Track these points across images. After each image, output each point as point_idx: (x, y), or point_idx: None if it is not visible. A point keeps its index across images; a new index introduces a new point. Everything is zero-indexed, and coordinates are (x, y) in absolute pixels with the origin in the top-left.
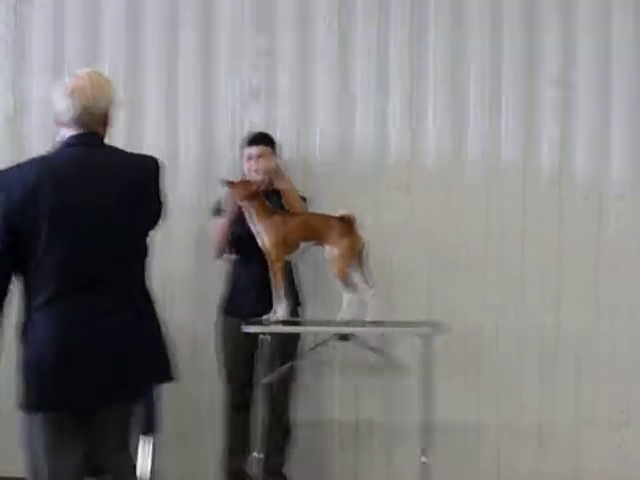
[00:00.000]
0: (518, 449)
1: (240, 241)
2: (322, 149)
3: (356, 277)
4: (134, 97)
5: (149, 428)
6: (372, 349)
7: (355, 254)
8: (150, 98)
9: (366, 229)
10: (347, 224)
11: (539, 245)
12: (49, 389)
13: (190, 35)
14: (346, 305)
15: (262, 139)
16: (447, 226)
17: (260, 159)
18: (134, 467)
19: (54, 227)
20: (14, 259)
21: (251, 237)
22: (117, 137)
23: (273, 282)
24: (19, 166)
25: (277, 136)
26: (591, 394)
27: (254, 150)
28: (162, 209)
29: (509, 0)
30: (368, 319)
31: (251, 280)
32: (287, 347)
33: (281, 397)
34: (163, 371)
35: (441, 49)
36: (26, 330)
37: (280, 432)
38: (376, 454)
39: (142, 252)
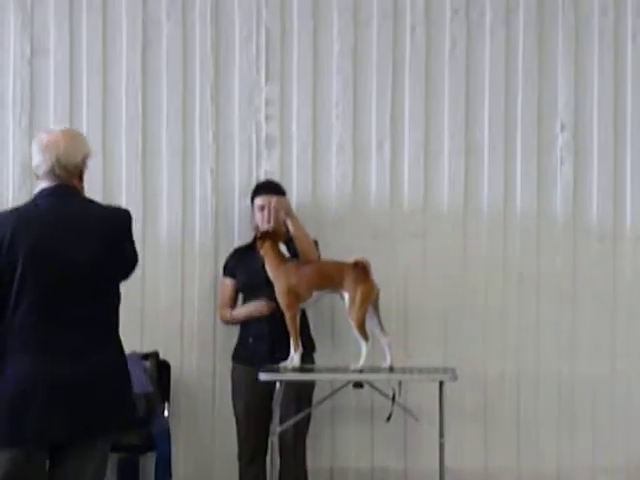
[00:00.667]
0: None
1: (253, 289)
2: (337, 197)
3: (371, 324)
4: (149, 149)
5: (161, 476)
6: (386, 396)
7: (370, 301)
8: (166, 148)
9: (381, 275)
10: (361, 270)
11: (555, 291)
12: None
13: (204, 84)
14: (364, 354)
15: (272, 188)
16: (462, 273)
17: (273, 208)
18: None
19: (27, 276)
20: None
21: (263, 285)
22: (131, 185)
23: (289, 329)
24: None
25: (293, 184)
26: (608, 440)
27: (265, 200)
28: (135, 258)
29: (522, 46)
30: (385, 365)
31: (265, 328)
32: (301, 395)
33: (296, 446)
34: (126, 418)
35: (455, 95)
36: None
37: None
38: None
39: (113, 300)
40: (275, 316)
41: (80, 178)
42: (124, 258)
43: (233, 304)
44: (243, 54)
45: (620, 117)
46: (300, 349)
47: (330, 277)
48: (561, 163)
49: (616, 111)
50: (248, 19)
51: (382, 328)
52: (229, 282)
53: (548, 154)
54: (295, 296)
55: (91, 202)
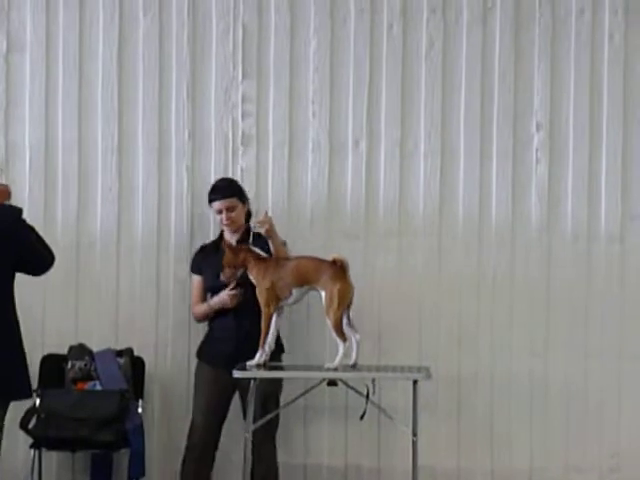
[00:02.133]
0: None
1: (219, 290)
2: (312, 195)
3: (344, 321)
4: (126, 144)
5: (135, 472)
6: (360, 394)
7: (347, 301)
8: (142, 144)
9: (356, 274)
10: (339, 269)
11: (528, 290)
12: None
13: (180, 80)
14: (340, 353)
15: (226, 191)
16: (437, 272)
17: (227, 212)
18: None
19: None
20: None
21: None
22: (106, 181)
23: (262, 326)
24: None
25: (268, 181)
26: (581, 440)
27: (222, 204)
28: (38, 256)
29: (499, 46)
30: (351, 363)
31: (232, 330)
32: (268, 395)
33: (265, 445)
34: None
35: (431, 95)
36: None
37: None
38: None
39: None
40: (242, 317)
41: None
42: (12, 253)
43: (204, 300)
44: (220, 50)
45: (596, 117)
46: (267, 347)
47: (308, 274)
48: (536, 163)
49: (592, 111)
50: (225, 15)
51: (352, 325)
52: (198, 279)
53: (523, 154)
54: (275, 294)
55: None
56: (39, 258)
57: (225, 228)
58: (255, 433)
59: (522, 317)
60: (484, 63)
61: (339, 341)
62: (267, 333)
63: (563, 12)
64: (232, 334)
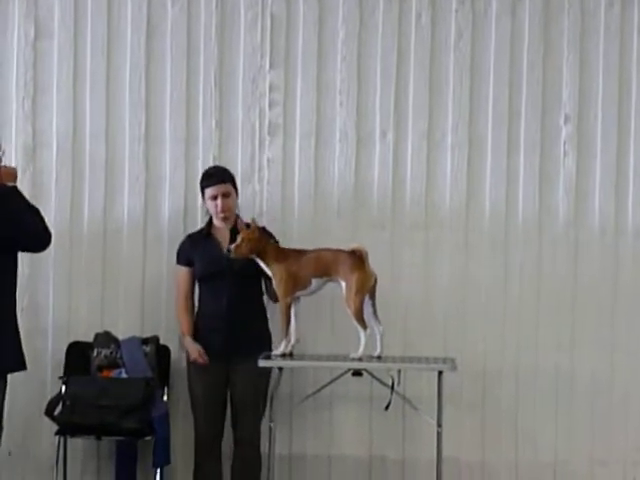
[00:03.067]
0: None
1: (212, 277)
2: (339, 185)
3: (367, 312)
4: (153, 133)
5: (160, 460)
6: (385, 384)
7: (367, 289)
8: (169, 134)
9: (382, 265)
10: (358, 258)
11: (555, 284)
12: None
13: (208, 69)
14: (363, 342)
15: (222, 177)
16: (464, 264)
17: (223, 198)
18: None
19: None
20: None
21: (224, 273)
22: (133, 170)
23: (281, 317)
24: None
25: (295, 171)
26: (606, 433)
27: (217, 189)
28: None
29: (527, 37)
30: (376, 354)
31: (221, 320)
32: (257, 385)
33: (253, 434)
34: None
35: (459, 86)
36: None
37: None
38: None
39: None
40: (234, 307)
41: None
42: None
43: (191, 293)
44: (247, 40)
45: (625, 110)
46: (292, 337)
47: (327, 265)
48: (564, 156)
49: (620, 104)
50: (253, 5)
51: (377, 317)
52: (185, 271)
53: (551, 147)
54: (293, 284)
55: None
56: (28, 234)
57: (219, 215)
58: (243, 423)
59: (548, 311)
60: (512, 54)
61: (360, 329)
62: (289, 323)
63: (592, 4)
64: (223, 324)
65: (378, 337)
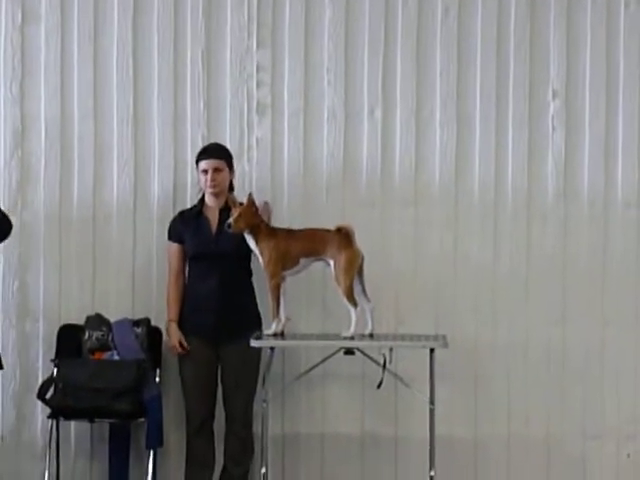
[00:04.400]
0: (526, 463)
1: (202, 257)
2: (328, 164)
3: (356, 290)
4: (140, 115)
5: (153, 442)
6: (377, 363)
7: (355, 267)
8: (157, 114)
9: (372, 243)
10: (345, 237)
11: (545, 258)
12: None
13: (195, 50)
14: (354, 321)
15: (217, 152)
16: (453, 240)
17: (214, 173)
18: None
19: None
20: None
21: (213, 254)
22: (122, 151)
23: (271, 297)
24: None
25: (284, 150)
26: (599, 406)
27: (208, 164)
28: None
29: (514, 13)
30: (368, 332)
31: (211, 300)
32: (248, 363)
33: (245, 413)
34: None
35: (446, 63)
36: None
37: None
38: (383, 467)
39: None
40: (224, 286)
41: None
42: None
43: (182, 270)
44: (234, 19)
45: (612, 85)
46: (280, 318)
47: (314, 244)
48: (553, 131)
49: (608, 79)
50: None
51: (366, 295)
52: (176, 247)
53: (539, 122)
54: (282, 263)
55: None
56: None
57: (208, 190)
58: (234, 402)
59: (539, 285)
60: (499, 31)
61: (350, 307)
62: (278, 302)
63: None
64: (213, 304)
65: (369, 315)
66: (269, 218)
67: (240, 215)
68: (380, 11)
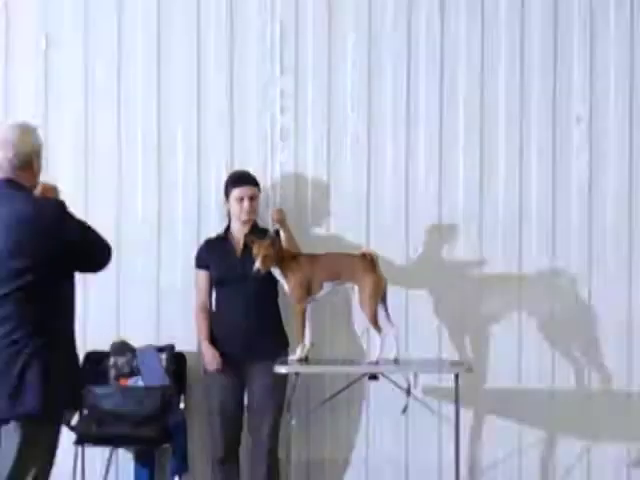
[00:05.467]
0: None
1: (227, 282)
2: (352, 189)
3: (380, 316)
4: (165, 141)
5: (177, 468)
6: (401, 388)
7: (380, 293)
8: (181, 141)
9: (396, 270)
10: (369, 262)
11: (569, 291)
12: None
13: (219, 77)
14: (379, 346)
15: (251, 179)
16: (478, 272)
17: (250, 201)
18: None
19: None
20: None
21: (238, 278)
22: (147, 178)
23: (295, 323)
24: None
25: (308, 176)
26: None
27: (244, 191)
28: (89, 249)
29: (535, 41)
30: (392, 358)
31: (237, 326)
32: (275, 389)
33: (270, 439)
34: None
35: (469, 89)
36: None
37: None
38: None
39: (41, 292)
40: (250, 312)
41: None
42: (55, 247)
43: (209, 296)
44: (257, 47)
45: (635, 109)
46: (305, 343)
47: (339, 269)
48: (576, 156)
49: (631, 103)
50: (262, 11)
51: (389, 319)
52: (203, 274)
53: (562, 147)
54: (307, 289)
55: (21, 196)
56: (89, 255)
57: (242, 218)
58: (260, 427)
59: (564, 317)
60: (522, 56)
61: (376, 333)
62: (304, 328)
63: (602, 3)
64: (239, 328)
65: (393, 340)
66: (283, 222)
67: (265, 257)
68: (403, 36)
